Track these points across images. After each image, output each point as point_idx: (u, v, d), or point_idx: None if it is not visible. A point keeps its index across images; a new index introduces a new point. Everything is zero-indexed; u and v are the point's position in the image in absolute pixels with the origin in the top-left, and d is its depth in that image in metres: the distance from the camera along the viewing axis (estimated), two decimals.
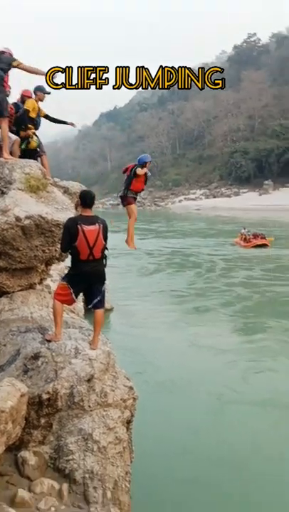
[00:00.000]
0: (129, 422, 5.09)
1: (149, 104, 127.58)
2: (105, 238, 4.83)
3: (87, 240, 4.64)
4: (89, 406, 4.64)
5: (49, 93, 7.18)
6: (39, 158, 7.24)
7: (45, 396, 4.53)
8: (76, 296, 4.92)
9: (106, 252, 4.94)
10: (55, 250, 6.07)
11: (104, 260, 4.91)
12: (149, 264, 30.14)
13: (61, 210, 6.16)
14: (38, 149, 7.31)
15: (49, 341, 4.94)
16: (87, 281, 4.87)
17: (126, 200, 7.07)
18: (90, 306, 5.01)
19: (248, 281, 24.27)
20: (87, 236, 4.64)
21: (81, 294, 5.24)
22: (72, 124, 8.09)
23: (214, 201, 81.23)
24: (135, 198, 7.16)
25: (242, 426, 9.08)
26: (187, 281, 24.77)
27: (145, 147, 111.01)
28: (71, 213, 5.98)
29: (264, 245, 33.56)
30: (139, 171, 6.78)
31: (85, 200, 4.85)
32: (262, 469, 7.63)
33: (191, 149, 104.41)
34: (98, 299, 4.93)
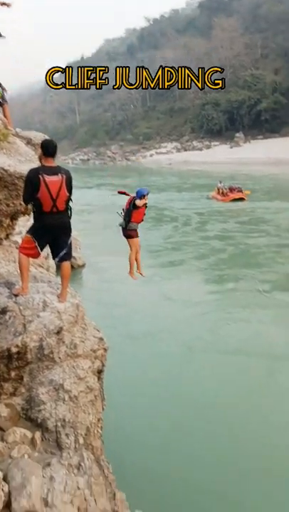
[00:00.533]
0: (100, 371, 5.16)
1: (118, 54, 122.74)
2: (69, 189, 4.69)
3: (50, 191, 4.49)
4: (59, 358, 4.67)
5: (4, 37, 6.73)
6: (0, 108, 6.88)
7: (14, 349, 4.52)
8: (41, 249, 4.83)
9: (71, 203, 4.80)
10: (20, 204, 5.89)
11: (69, 212, 4.79)
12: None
13: (24, 161, 5.94)
14: (1, 100, 6.92)
15: (16, 295, 4.87)
16: (51, 233, 4.76)
17: (126, 233, 7.01)
18: (56, 259, 4.94)
19: (223, 235, 24.50)
20: (50, 187, 4.48)
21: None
22: None
23: (186, 155, 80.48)
24: (136, 230, 7.08)
25: (213, 373, 9.42)
26: (162, 235, 24.83)
27: (115, 99, 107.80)
28: (35, 165, 5.77)
29: (241, 199, 33.59)
30: (138, 202, 6.77)
31: (47, 149, 4.65)
32: (232, 411, 8.00)
33: (161, 101, 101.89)
34: (64, 251, 4.84)
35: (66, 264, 4.94)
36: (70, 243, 4.91)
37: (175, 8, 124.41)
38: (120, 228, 7.12)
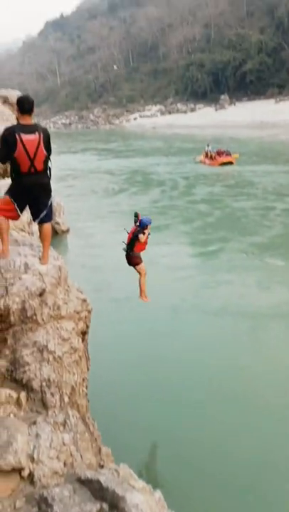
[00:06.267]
0: (84, 333, 5.20)
1: (99, 11, 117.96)
2: (48, 148, 4.54)
3: (27, 150, 4.33)
4: (42, 319, 4.66)
5: None
6: None
7: None
8: (21, 211, 4.72)
9: (50, 164, 4.67)
10: None
11: (48, 172, 4.66)
12: (110, 185, 29.59)
13: (1, 121, 5.75)
14: None
15: None
16: (30, 195, 4.64)
17: (131, 261, 7.02)
18: (36, 221, 4.86)
19: (210, 198, 24.46)
20: (27, 146, 4.32)
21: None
22: None
23: (170, 118, 79.18)
24: (139, 257, 7.08)
25: (197, 333, 9.59)
26: (149, 200, 24.67)
27: (96, 59, 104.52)
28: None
29: (229, 163, 33.28)
30: (141, 237, 6.91)
31: (23, 105, 4.44)
32: (217, 370, 8.19)
33: (145, 62, 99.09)
34: (45, 212, 4.75)
35: (47, 226, 4.86)
36: (51, 204, 4.81)
37: None
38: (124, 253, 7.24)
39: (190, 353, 8.65)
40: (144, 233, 6.94)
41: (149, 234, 7.09)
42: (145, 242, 7.17)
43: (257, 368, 8.33)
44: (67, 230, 17.93)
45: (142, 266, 7.34)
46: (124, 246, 7.23)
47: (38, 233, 9.25)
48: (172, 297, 11.67)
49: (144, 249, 7.23)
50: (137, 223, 7.04)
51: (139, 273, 7.43)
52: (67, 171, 35.45)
